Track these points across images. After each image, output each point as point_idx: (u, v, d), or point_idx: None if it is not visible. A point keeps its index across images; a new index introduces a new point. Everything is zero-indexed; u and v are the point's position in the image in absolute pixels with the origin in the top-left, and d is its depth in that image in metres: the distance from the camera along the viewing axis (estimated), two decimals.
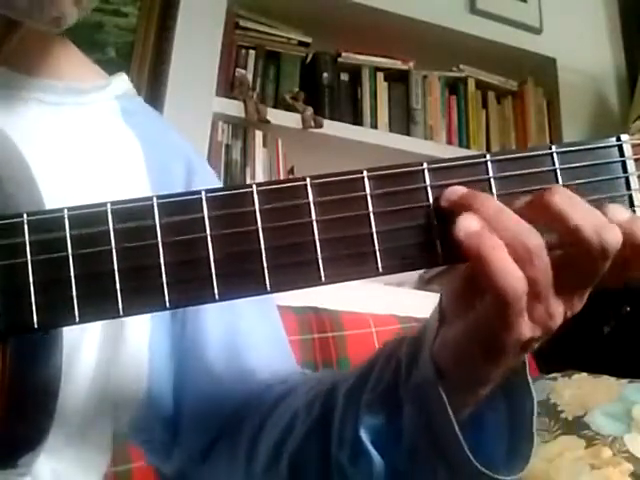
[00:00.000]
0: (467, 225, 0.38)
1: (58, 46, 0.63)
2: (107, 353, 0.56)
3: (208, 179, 0.68)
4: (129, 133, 0.63)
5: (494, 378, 0.42)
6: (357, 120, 1.85)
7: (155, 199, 0.39)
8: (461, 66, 2.01)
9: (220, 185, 0.70)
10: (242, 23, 1.82)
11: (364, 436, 0.47)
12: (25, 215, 0.38)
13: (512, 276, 0.37)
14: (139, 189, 0.60)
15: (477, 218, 0.38)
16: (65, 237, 0.38)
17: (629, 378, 1.11)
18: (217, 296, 0.38)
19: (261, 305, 0.66)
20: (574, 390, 1.10)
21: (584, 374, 1.15)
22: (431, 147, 1.82)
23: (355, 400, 0.49)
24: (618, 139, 0.42)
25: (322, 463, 0.51)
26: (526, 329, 0.39)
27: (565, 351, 1.49)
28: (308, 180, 0.39)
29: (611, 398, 1.06)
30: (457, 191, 0.40)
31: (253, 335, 0.64)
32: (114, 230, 0.38)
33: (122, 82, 0.66)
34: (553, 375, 1.17)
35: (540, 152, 0.41)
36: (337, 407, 0.51)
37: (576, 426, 1.02)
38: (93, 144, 0.60)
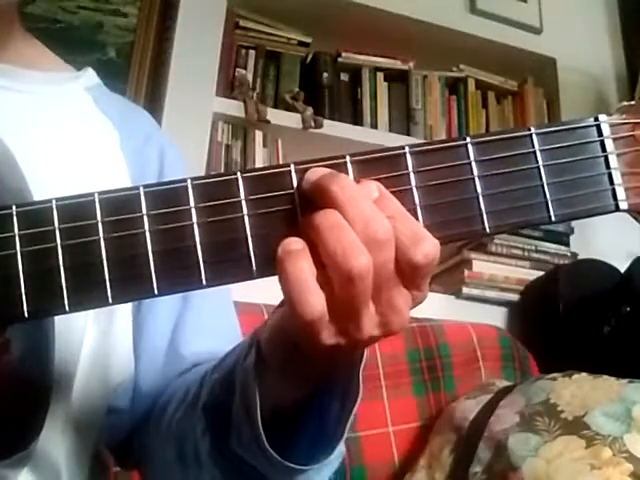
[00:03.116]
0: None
1: (24, 39, 0.66)
2: (99, 344, 0.57)
3: (177, 162, 0.70)
4: (104, 119, 0.65)
5: (308, 363, 0.42)
6: (357, 120, 1.85)
7: (142, 188, 0.39)
8: (461, 66, 2.01)
9: (188, 168, 0.73)
10: (242, 23, 1.82)
11: (200, 413, 0.49)
12: (14, 207, 0.39)
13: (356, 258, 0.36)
14: (116, 171, 0.62)
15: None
16: (53, 228, 0.38)
17: (629, 378, 1.11)
18: (204, 282, 0.38)
19: (214, 297, 0.67)
20: (574, 390, 1.10)
21: (584, 374, 1.15)
22: None
23: (208, 378, 0.52)
24: (596, 119, 0.42)
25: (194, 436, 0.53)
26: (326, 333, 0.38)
27: (565, 351, 1.49)
28: (292, 166, 0.39)
29: (611, 398, 1.06)
30: (317, 172, 0.39)
31: (197, 324, 0.65)
32: (102, 220, 0.38)
33: (91, 76, 0.69)
34: (553, 375, 1.17)
35: (519, 134, 0.41)
36: (204, 381, 0.53)
37: (576, 426, 1.02)
38: (70, 129, 0.61)
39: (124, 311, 0.61)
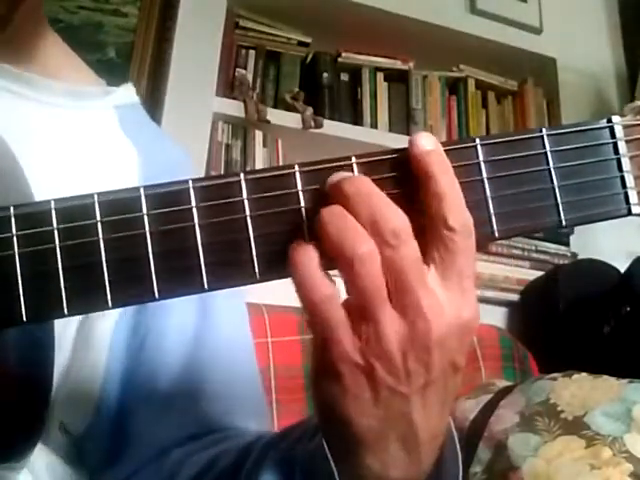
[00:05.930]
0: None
1: (53, 46, 0.63)
2: (77, 351, 0.56)
3: None
4: (126, 142, 0.62)
5: (367, 434, 0.38)
6: (357, 120, 1.84)
7: (142, 190, 0.38)
8: (461, 66, 2.01)
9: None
10: (242, 23, 1.82)
11: None
12: (12, 208, 0.38)
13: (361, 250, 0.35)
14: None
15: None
16: (52, 229, 0.38)
17: (629, 378, 1.11)
18: (206, 285, 0.38)
19: (235, 316, 0.64)
20: (574, 390, 1.10)
21: (584, 374, 1.15)
22: None
23: (265, 454, 0.47)
24: (609, 121, 0.41)
25: None
26: (348, 340, 0.36)
27: (565, 351, 1.49)
28: (296, 167, 0.39)
29: (611, 398, 1.05)
30: (339, 175, 0.38)
31: (219, 356, 0.61)
32: (101, 221, 0.38)
33: (126, 92, 0.66)
34: (553, 375, 1.17)
35: (530, 135, 0.40)
36: (250, 457, 0.49)
37: (576, 426, 1.02)
38: (88, 148, 0.59)
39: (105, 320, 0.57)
